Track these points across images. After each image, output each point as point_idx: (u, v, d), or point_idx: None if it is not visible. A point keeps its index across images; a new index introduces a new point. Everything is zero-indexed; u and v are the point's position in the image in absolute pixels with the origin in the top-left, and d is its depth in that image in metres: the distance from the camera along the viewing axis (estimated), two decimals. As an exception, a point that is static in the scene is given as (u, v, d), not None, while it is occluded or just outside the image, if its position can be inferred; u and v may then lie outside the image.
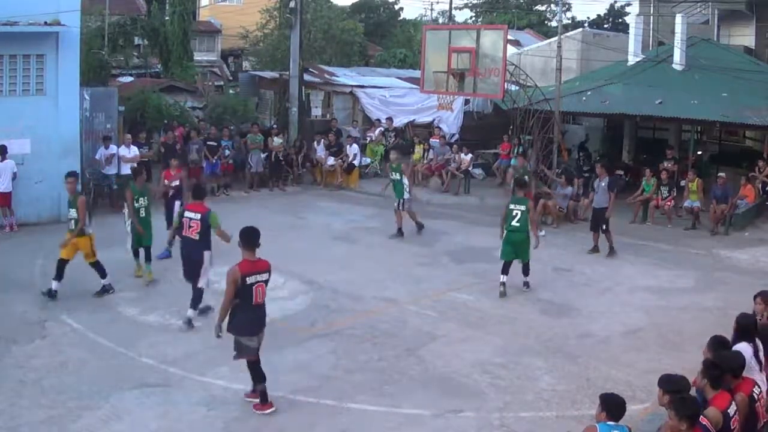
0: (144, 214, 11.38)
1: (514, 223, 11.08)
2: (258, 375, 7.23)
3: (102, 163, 16.00)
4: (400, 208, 14.66)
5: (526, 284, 11.44)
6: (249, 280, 6.96)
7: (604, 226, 13.64)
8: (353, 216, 16.58)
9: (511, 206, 11.19)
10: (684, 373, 6.20)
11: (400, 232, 14.62)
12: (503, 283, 11.11)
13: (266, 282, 7.16)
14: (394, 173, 14.85)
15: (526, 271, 11.41)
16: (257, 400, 7.26)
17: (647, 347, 9.29)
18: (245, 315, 7.06)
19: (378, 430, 7.06)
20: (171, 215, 12.49)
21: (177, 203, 12.39)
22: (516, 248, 11.19)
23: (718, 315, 10.36)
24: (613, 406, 5.26)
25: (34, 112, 14.46)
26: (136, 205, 11.27)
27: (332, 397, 7.60)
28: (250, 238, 7.07)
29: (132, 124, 19.02)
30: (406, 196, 14.57)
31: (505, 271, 11.15)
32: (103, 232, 14.23)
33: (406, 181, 14.62)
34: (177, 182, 12.98)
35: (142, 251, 11.41)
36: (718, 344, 6.15)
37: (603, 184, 13.76)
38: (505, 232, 11.21)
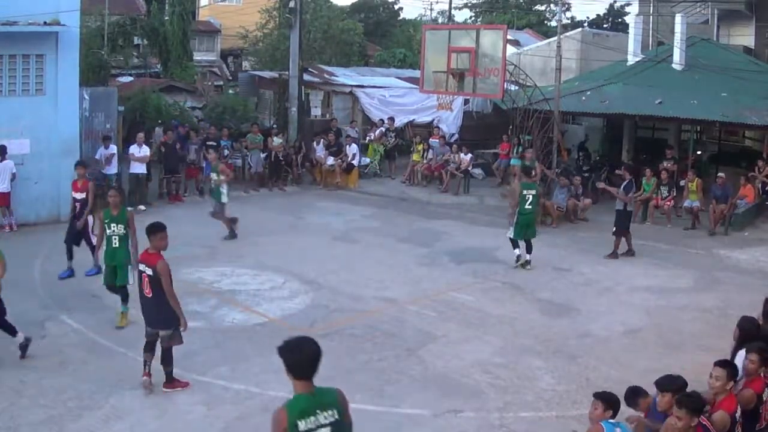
0: (117, 245, 9.30)
1: (527, 206, 12.42)
2: (149, 349, 7.64)
3: (102, 163, 15.99)
4: (213, 211, 13.88)
5: (529, 262, 12.47)
6: (140, 266, 7.58)
7: (614, 229, 13.53)
8: (353, 216, 16.57)
9: (524, 191, 12.50)
10: (684, 374, 6.21)
11: (232, 234, 13.86)
12: (520, 255, 12.43)
13: (150, 277, 7.35)
14: (214, 174, 14.02)
15: (530, 248, 12.56)
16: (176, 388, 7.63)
17: (647, 347, 9.30)
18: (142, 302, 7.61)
19: (378, 430, 7.06)
20: (73, 235, 11.22)
21: (90, 220, 11.13)
22: (528, 228, 12.47)
23: (718, 315, 10.38)
24: (614, 402, 5.33)
25: (34, 112, 14.44)
26: (107, 231, 9.30)
27: (332, 397, 7.58)
28: (147, 230, 7.57)
29: (132, 124, 19.02)
30: (224, 200, 13.78)
31: (516, 245, 12.49)
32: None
33: (223, 182, 13.80)
34: (83, 195, 11.32)
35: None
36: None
37: (622, 184, 13.82)
38: (517, 215, 12.38)
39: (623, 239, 13.64)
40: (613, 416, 5.32)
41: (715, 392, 5.51)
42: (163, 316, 7.43)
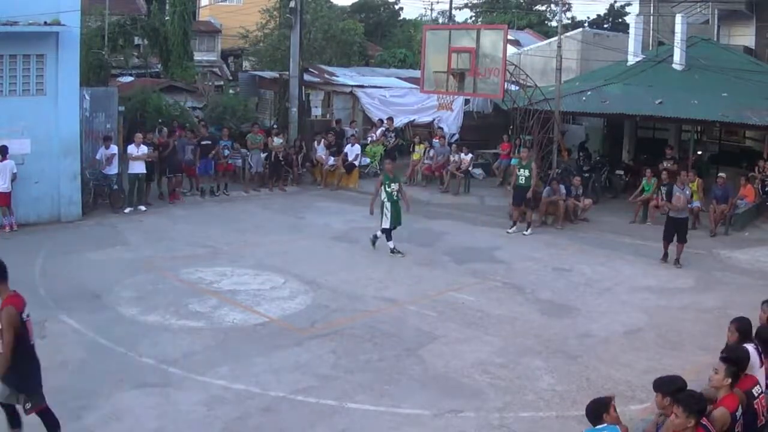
0: None
1: (394, 197, 13.31)
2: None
3: (102, 163, 15.99)
4: None
5: (375, 241, 13.47)
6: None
7: (678, 236, 13.21)
8: (353, 216, 16.56)
9: (389, 182, 13.36)
10: (684, 374, 6.21)
11: None
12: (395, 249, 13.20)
13: None
14: None
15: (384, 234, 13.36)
16: None
17: (647, 347, 9.29)
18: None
19: (378, 430, 7.06)
20: None
21: None
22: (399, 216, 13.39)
23: (718, 315, 10.36)
24: (591, 410, 5.18)
25: (34, 112, 14.44)
26: None
27: (332, 397, 7.59)
28: None
29: (132, 124, 19.01)
30: None
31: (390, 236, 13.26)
32: (102, 233, 14.27)
33: None
34: None
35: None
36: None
37: (689, 192, 13.47)
38: (390, 206, 13.20)
39: (678, 246, 13.26)
40: (596, 423, 5.17)
41: (714, 386, 5.50)
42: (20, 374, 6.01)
